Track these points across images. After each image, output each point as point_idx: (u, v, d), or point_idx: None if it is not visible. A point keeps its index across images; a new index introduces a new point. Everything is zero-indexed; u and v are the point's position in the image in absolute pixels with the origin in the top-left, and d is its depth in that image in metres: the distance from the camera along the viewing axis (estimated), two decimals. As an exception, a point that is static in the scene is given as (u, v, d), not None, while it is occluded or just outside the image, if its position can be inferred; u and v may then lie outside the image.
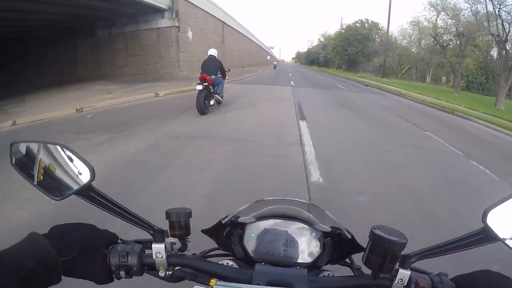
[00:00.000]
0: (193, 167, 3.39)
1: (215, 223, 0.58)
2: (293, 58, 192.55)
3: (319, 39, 61.30)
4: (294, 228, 0.59)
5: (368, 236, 0.45)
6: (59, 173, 0.45)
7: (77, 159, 0.44)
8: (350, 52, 37.46)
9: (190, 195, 2.71)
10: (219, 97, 6.90)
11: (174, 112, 6.54)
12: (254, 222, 0.60)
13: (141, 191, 2.74)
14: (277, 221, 0.60)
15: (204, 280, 0.52)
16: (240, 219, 0.61)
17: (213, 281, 0.47)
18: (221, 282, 0.46)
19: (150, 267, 0.50)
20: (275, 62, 42.55)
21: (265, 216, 0.62)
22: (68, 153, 0.45)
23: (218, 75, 6.69)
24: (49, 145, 0.46)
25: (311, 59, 75.49)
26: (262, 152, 4.11)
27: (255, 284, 0.48)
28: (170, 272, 0.51)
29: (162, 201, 2.56)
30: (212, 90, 6.48)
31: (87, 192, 0.45)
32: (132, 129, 5.13)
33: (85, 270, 0.45)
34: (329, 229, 0.60)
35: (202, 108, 6.08)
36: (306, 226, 0.59)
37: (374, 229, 0.45)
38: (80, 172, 0.44)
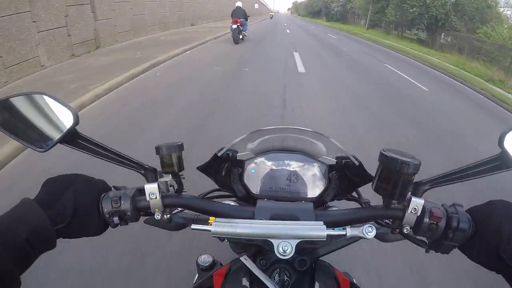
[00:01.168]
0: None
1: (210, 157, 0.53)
2: (289, 9, 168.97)
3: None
4: (297, 161, 0.56)
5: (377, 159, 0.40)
6: (41, 123, 0.42)
7: (59, 105, 0.42)
8: (435, 4, 15.94)
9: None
10: (245, 33, 10.66)
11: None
12: (254, 157, 0.57)
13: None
14: (278, 154, 0.57)
15: (206, 223, 0.48)
16: (239, 156, 0.57)
17: (212, 219, 0.45)
18: (221, 219, 0.43)
19: (145, 211, 0.47)
20: (271, 13, 42.10)
21: (264, 149, 0.59)
22: (50, 100, 0.42)
23: (243, 19, 10.07)
24: (28, 96, 0.42)
25: (315, 10, 53.91)
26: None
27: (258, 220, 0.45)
28: (167, 216, 0.47)
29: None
30: (241, 28, 10.10)
31: (73, 139, 0.42)
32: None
33: (79, 230, 0.43)
34: (334, 161, 0.56)
35: (237, 40, 9.95)
36: (309, 159, 0.56)
37: (384, 151, 0.42)
38: (63, 118, 0.41)
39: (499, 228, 0.39)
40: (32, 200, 0.39)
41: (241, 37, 10.34)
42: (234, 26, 9.70)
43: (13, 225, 0.36)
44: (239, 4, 10.34)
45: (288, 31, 18.85)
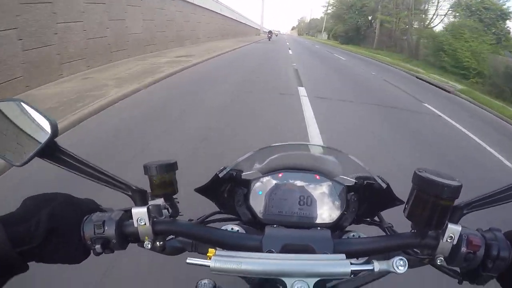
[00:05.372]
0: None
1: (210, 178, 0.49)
2: (293, 28, 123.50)
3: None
4: (310, 182, 0.50)
5: (411, 181, 0.37)
6: (17, 134, 0.38)
7: (37, 114, 0.38)
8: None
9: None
10: (271, 38, 29.53)
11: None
12: (261, 177, 0.51)
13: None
14: (289, 174, 0.51)
15: (206, 251, 0.43)
16: (244, 175, 0.52)
17: (211, 251, 0.39)
18: (222, 251, 0.38)
19: (134, 238, 0.41)
20: (276, 32, 36.96)
21: (273, 168, 0.53)
22: (27, 108, 0.38)
23: (271, 35, 29.92)
24: (3, 103, 0.38)
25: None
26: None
27: (267, 252, 0.40)
28: (160, 243, 0.42)
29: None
30: (271, 36, 29.65)
31: (52, 152, 0.38)
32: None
33: (54, 254, 0.38)
34: (353, 181, 0.51)
35: (269, 39, 28.62)
36: (325, 179, 0.50)
37: (419, 171, 0.37)
38: (41, 129, 0.38)
39: None
40: None
41: (271, 39, 26.59)
42: (270, 35, 27.94)
43: None
44: (270, 29, 32.07)
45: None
